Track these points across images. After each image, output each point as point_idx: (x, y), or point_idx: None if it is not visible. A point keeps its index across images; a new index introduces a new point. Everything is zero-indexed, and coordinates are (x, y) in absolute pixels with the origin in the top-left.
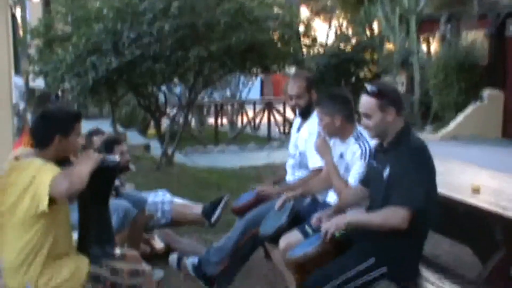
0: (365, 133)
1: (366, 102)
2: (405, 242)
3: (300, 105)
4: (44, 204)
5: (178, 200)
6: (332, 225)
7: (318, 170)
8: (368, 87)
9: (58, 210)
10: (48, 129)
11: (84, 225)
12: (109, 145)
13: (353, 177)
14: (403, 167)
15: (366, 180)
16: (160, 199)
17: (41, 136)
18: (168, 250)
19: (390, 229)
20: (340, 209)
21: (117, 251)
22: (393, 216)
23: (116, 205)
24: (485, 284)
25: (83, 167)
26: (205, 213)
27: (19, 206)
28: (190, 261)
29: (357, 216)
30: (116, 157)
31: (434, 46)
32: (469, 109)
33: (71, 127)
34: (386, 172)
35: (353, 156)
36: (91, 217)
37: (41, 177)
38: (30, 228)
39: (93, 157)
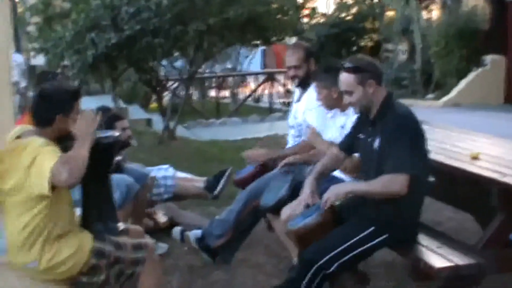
0: None
1: (345, 79)
2: (403, 209)
3: (299, 75)
4: (45, 189)
5: (181, 174)
6: (332, 194)
7: None
8: (345, 64)
9: (60, 190)
10: (49, 109)
11: (86, 202)
12: (111, 121)
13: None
14: (392, 135)
15: (347, 146)
16: (163, 174)
17: (42, 116)
18: (172, 224)
19: (389, 196)
20: (320, 174)
21: (120, 226)
22: (392, 182)
23: (119, 180)
24: (484, 250)
25: (80, 150)
26: (208, 186)
27: (20, 187)
28: (193, 234)
29: (356, 185)
30: (115, 133)
31: (435, 12)
32: (471, 76)
33: (71, 106)
34: (376, 144)
35: None
36: (93, 194)
37: (41, 161)
38: (32, 208)
39: (89, 126)
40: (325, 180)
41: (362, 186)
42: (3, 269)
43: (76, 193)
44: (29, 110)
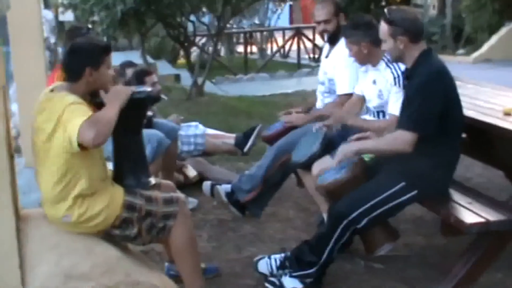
0: None
1: (381, 27)
2: (436, 165)
3: (328, 30)
4: (74, 147)
5: (210, 131)
6: (341, 154)
7: (346, 95)
8: (386, 11)
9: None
10: (78, 62)
11: (118, 156)
12: (140, 76)
13: (394, 106)
14: (414, 91)
15: None
16: (193, 132)
17: (72, 69)
18: (201, 178)
19: (396, 153)
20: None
21: (152, 180)
22: (398, 140)
23: (149, 135)
24: None
25: (110, 111)
26: (238, 143)
27: (53, 140)
28: (223, 189)
29: (365, 143)
30: (147, 88)
31: None
32: (503, 31)
33: (101, 59)
34: (404, 97)
35: (386, 83)
36: (125, 148)
37: (70, 118)
38: (64, 163)
39: (121, 94)
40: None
41: (370, 144)
42: (40, 221)
43: (109, 148)
44: (60, 65)
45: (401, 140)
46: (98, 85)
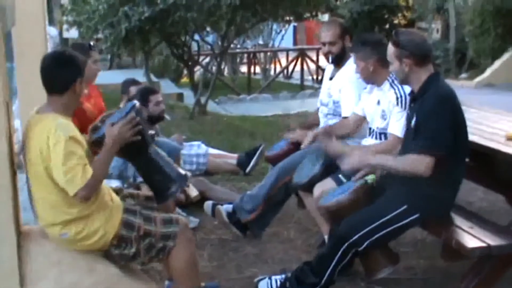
0: None
1: (388, 49)
2: (438, 189)
3: (333, 52)
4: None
5: (213, 151)
6: (355, 160)
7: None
8: (394, 33)
9: None
10: (69, 73)
11: (144, 175)
12: (145, 94)
13: (395, 126)
14: (427, 114)
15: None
16: (195, 151)
17: (60, 81)
18: (203, 198)
19: (413, 175)
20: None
21: (188, 174)
22: (418, 163)
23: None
24: None
25: (104, 165)
26: (240, 163)
27: (40, 169)
28: (225, 209)
29: (383, 158)
30: (152, 132)
31: None
32: (506, 56)
33: (84, 68)
34: (413, 121)
35: (389, 104)
36: (144, 166)
37: (55, 156)
38: (58, 192)
39: (120, 138)
40: None
41: (387, 161)
42: (41, 237)
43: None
44: None
45: (421, 163)
46: (81, 95)
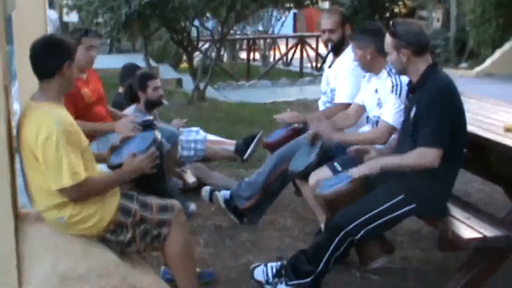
0: None
1: (386, 39)
2: (434, 179)
3: (333, 39)
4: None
5: (211, 137)
6: (366, 168)
7: (343, 105)
8: (391, 23)
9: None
10: (55, 56)
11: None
12: (143, 80)
13: (388, 113)
14: (428, 107)
15: None
16: (193, 137)
17: (47, 65)
18: (200, 184)
19: (420, 168)
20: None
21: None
22: (425, 156)
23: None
24: None
25: (113, 184)
26: (238, 150)
27: (34, 157)
28: (222, 195)
29: (389, 159)
30: (151, 117)
31: None
32: (506, 46)
33: (74, 51)
34: (412, 113)
35: (385, 91)
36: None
37: (54, 167)
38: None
39: (137, 170)
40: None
41: (395, 161)
42: (38, 221)
43: (94, 148)
44: None
45: (429, 156)
46: (72, 81)
